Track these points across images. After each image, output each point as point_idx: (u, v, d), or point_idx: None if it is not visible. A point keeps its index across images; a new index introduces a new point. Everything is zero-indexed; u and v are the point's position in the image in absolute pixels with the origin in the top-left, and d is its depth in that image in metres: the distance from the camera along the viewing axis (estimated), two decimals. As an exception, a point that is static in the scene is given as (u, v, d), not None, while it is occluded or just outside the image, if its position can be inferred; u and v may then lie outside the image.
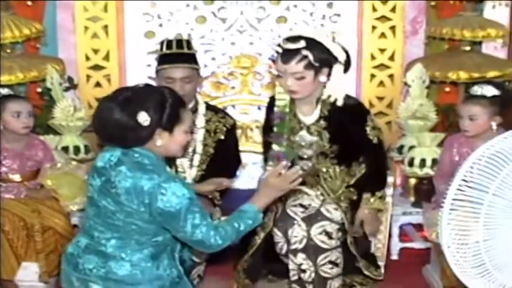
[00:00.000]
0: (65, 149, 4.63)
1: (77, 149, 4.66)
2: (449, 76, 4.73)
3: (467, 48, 4.91)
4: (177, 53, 3.91)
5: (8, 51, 4.83)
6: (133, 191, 2.60)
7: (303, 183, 3.52)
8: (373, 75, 5.01)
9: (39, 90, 4.87)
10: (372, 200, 3.71)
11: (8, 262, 3.97)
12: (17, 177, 4.12)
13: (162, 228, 2.70)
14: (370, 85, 5.02)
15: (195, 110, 3.91)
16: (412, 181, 4.75)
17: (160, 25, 5.06)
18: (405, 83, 4.84)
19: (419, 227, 4.60)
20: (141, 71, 5.04)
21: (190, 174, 3.91)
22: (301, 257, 3.60)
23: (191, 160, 3.91)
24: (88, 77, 5.02)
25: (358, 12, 5.01)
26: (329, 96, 3.57)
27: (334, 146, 3.64)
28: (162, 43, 3.98)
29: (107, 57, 5.00)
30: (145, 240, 2.70)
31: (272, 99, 3.75)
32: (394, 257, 4.61)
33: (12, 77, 4.64)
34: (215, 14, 5.06)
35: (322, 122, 3.62)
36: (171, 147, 2.75)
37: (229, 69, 5.02)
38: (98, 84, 5.01)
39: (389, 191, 4.07)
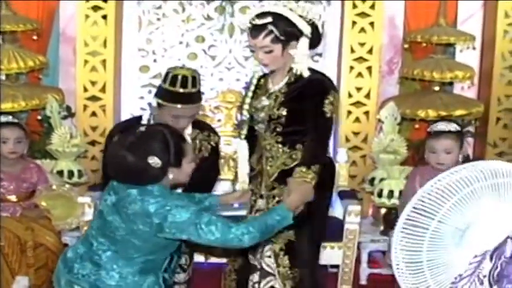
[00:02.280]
0: (60, 172, 4.91)
1: (70, 173, 4.94)
2: (418, 114, 5.07)
3: (437, 88, 5.24)
4: (191, 93, 3.74)
5: (13, 81, 5.19)
6: (141, 213, 2.90)
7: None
8: (349, 112, 5.31)
9: (39, 117, 5.18)
10: (307, 173, 3.47)
11: (3, 275, 4.25)
12: (13, 198, 4.45)
13: (156, 248, 3.01)
14: (347, 121, 5.32)
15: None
16: (382, 211, 5.04)
17: (155, 60, 5.42)
18: (379, 120, 5.16)
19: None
20: (134, 102, 5.41)
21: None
22: (258, 274, 3.73)
23: None
24: (85, 106, 5.31)
25: (338, 53, 5.35)
26: (293, 69, 3.61)
27: (283, 110, 3.60)
28: (174, 78, 3.72)
29: (103, 89, 5.29)
30: (138, 256, 3.00)
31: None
32: (363, 282, 4.90)
33: (15, 104, 4.97)
34: (206, 51, 5.42)
35: (284, 89, 3.64)
36: (180, 178, 3.09)
37: (216, 103, 5.37)
38: (93, 114, 5.31)
39: (356, 218, 4.40)
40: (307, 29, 3.57)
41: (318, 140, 3.62)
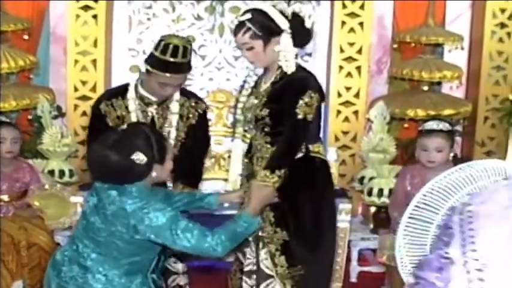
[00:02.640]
0: (51, 172, 4.92)
1: (62, 173, 4.95)
2: (407, 113, 5.13)
3: (426, 87, 5.30)
4: (181, 63, 3.72)
5: (3, 80, 5.18)
6: (119, 213, 2.90)
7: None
8: (339, 111, 5.36)
9: (30, 117, 5.19)
10: (270, 177, 3.41)
11: (1, 276, 4.25)
12: (5, 197, 4.45)
13: (140, 250, 2.98)
14: (336, 120, 5.37)
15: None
16: (372, 209, 5.09)
17: (145, 60, 5.45)
18: (368, 119, 5.21)
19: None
20: (125, 102, 5.43)
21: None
22: (253, 277, 3.68)
23: None
24: (76, 106, 5.33)
25: (328, 53, 5.39)
26: (281, 68, 3.55)
27: (265, 111, 3.53)
28: (166, 46, 3.71)
29: (94, 89, 5.30)
30: (123, 258, 2.98)
31: None
32: (353, 279, 4.93)
33: (6, 104, 4.98)
34: (196, 51, 5.39)
35: (269, 88, 3.58)
36: (163, 176, 3.08)
37: (206, 102, 5.38)
38: (84, 114, 5.30)
39: (347, 217, 4.43)
40: (285, 24, 3.51)
41: (286, 143, 3.53)
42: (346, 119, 5.38)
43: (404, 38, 5.26)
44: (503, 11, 5.38)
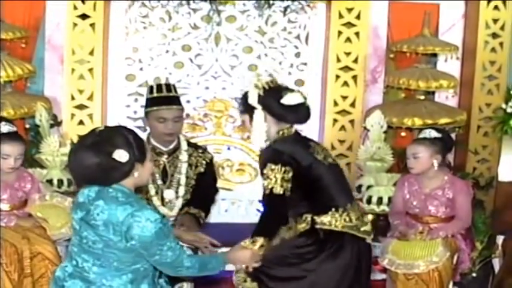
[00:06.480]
0: (49, 181, 4.90)
1: (60, 182, 4.93)
2: (405, 122, 5.18)
3: (422, 97, 5.37)
4: (168, 96, 4.19)
5: (1, 89, 5.10)
6: (110, 222, 2.88)
7: None
8: (335, 120, 5.41)
9: (27, 126, 5.15)
10: (251, 244, 3.51)
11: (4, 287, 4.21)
12: (6, 207, 4.39)
13: (140, 258, 2.96)
14: (333, 129, 5.41)
15: (178, 147, 4.25)
16: (370, 217, 5.11)
17: (141, 69, 5.43)
18: (365, 128, 5.25)
19: (376, 259, 4.96)
20: (121, 111, 5.43)
21: (177, 204, 4.22)
22: None
23: (177, 192, 4.22)
24: (72, 115, 5.30)
25: (324, 62, 5.43)
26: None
27: None
28: (151, 87, 4.24)
29: (91, 98, 5.29)
30: (124, 267, 2.97)
31: None
32: (352, 287, 4.96)
33: (5, 113, 4.91)
34: (192, 60, 5.45)
35: None
36: (144, 177, 3.06)
37: (204, 111, 5.40)
38: (81, 122, 5.29)
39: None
40: (252, 100, 3.63)
41: (260, 217, 3.72)
42: (343, 127, 5.42)
43: (401, 47, 5.31)
44: (495, 21, 5.46)
